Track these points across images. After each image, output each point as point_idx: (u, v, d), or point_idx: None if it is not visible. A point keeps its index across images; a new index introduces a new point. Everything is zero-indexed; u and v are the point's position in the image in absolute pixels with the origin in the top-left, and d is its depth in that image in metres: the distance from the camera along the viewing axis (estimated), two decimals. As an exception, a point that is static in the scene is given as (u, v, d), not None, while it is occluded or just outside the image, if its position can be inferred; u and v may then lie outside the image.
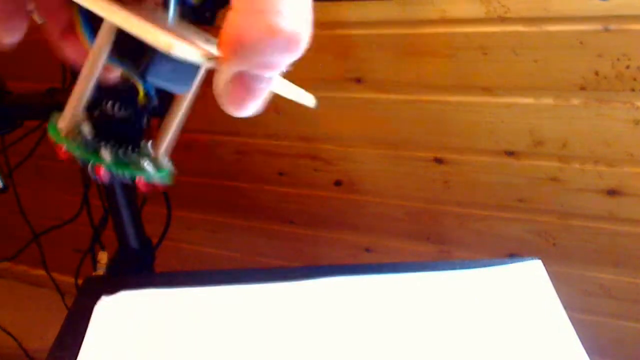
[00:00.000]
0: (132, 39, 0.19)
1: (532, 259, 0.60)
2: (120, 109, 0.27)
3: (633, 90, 0.74)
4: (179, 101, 0.25)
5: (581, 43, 0.73)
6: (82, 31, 0.23)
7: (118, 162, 0.25)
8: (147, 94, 0.25)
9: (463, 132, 0.88)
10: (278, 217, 1.17)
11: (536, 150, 0.85)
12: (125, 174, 0.25)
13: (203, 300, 0.57)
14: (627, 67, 0.73)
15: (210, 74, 0.21)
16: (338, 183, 1.05)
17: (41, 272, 1.23)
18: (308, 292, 0.57)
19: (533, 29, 0.74)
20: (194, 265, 1.38)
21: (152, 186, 0.26)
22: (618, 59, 0.73)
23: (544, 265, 0.59)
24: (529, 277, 0.57)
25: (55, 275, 1.20)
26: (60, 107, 0.24)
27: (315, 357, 0.50)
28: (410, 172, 0.97)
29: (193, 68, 0.22)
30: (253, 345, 0.51)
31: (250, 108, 0.20)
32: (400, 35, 0.81)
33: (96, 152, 0.25)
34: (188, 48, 0.18)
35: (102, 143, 0.25)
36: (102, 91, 0.24)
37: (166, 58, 0.20)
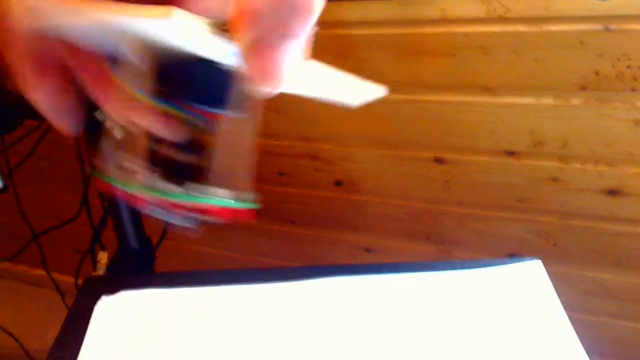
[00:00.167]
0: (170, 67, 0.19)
1: (532, 259, 0.60)
2: (179, 150, 0.26)
3: (633, 90, 0.74)
4: (228, 126, 0.25)
5: (582, 43, 0.73)
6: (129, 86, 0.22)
7: (188, 194, 0.25)
8: (197, 126, 0.24)
9: (463, 132, 0.88)
10: (278, 217, 1.17)
11: (536, 150, 0.85)
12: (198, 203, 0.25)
13: (203, 300, 0.57)
14: (628, 66, 0.73)
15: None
16: (338, 183, 1.05)
17: (41, 272, 1.23)
18: (308, 292, 0.57)
19: (533, 28, 0.74)
20: (194, 265, 1.38)
21: (232, 212, 0.25)
22: (618, 59, 0.72)
23: (544, 265, 0.58)
24: (529, 277, 0.57)
25: (55, 275, 1.20)
26: None
27: (316, 357, 0.50)
28: (410, 172, 0.97)
29: (226, 82, 0.22)
30: (253, 345, 0.51)
31: (278, 79, 0.20)
32: (400, 35, 0.80)
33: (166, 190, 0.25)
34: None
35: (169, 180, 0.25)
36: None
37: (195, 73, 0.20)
